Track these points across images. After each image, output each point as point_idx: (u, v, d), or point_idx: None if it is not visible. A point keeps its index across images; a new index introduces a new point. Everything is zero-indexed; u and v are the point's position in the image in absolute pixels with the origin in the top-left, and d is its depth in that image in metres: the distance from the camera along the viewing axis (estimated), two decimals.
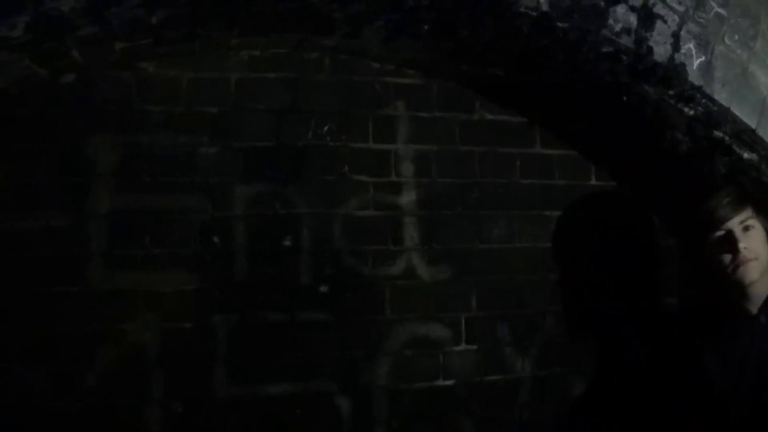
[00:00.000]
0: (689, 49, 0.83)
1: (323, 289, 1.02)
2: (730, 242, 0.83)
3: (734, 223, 0.83)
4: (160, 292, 0.95)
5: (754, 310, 0.84)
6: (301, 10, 0.80)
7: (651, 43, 0.81)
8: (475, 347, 1.11)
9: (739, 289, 0.84)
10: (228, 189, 0.95)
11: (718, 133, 0.85)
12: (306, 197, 0.98)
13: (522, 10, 0.76)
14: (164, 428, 0.97)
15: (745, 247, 0.83)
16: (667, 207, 0.92)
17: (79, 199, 0.91)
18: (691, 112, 0.84)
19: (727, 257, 0.83)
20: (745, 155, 0.86)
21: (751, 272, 0.83)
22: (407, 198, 1.03)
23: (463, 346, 1.12)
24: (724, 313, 0.86)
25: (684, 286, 1.00)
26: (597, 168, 1.12)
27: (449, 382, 1.11)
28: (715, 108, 0.84)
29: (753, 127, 0.87)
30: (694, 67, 0.83)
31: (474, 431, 1.11)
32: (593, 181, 1.17)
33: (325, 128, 0.99)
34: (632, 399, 0.61)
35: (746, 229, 0.83)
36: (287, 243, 1.01)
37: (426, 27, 0.83)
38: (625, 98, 0.85)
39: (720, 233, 0.83)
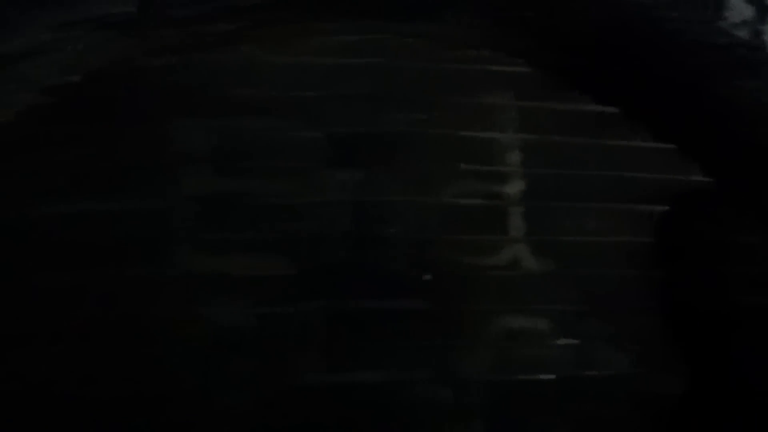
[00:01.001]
0: None
1: (426, 277, 1.00)
2: None
3: None
4: (255, 276, 0.94)
5: None
6: None
7: (765, 37, 0.80)
8: (574, 342, 1.08)
9: None
10: (323, 175, 0.93)
11: None
12: (405, 185, 0.96)
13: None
14: (255, 416, 0.96)
15: None
16: None
17: (170, 182, 0.90)
18: None
19: None
20: None
21: None
22: (512, 188, 1.01)
23: (562, 340, 1.09)
24: None
25: None
26: (696, 163, 1.09)
27: (547, 376, 1.08)
28: None
29: None
30: None
31: (570, 426, 1.09)
32: (694, 177, 1.14)
33: (426, 116, 0.97)
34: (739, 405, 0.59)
35: None
36: (384, 230, 0.99)
37: (531, 14, 0.81)
38: (722, 92, 0.83)
39: None
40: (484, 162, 0.91)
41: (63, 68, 0.74)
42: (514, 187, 0.92)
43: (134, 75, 0.78)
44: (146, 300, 0.84)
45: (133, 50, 0.71)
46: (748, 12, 0.76)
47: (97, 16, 0.69)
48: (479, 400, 0.90)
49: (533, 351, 0.94)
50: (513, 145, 0.91)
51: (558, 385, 0.95)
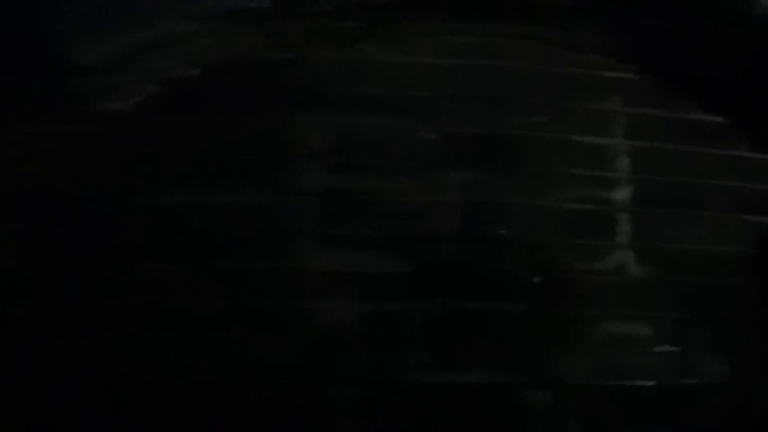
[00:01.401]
0: None
1: (534, 280, 1.01)
2: None
3: None
4: (365, 273, 0.95)
5: None
6: None
7: None
8: (675, 349, 1.08)
9: None
10: (439, 174, 0.94)
11: None
12: (517, 187, 0.96)
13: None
14: (358, 411, 0.97)
15: None
16: None
17: (289, 176, 0.90)
18: None
19: None
20: None
21: None
22: (620, 194, 1.01)
23: (663, 347, 1.10)
24: None
25: None
26: None
27: (647, 383, 1.08)
28: None
29: None
30: None
31: None
32: None
33: (539, 118, 0.97)
34: None
35: None
36: (496, 232, 1.00)
37: (653, 23, 0.81)
38: None
39: None
40: (594, 167, 0.91)
41: (187, 60, 0.74)
42: (621, 193, 0.91)
43: (256, 69, 0.78)
44: (259, 293, 0.85)
45: (258, 44, 0.72)
46: None
47: (230, 10, 0.69)
48: (578, 405, 0.90)
49: (634, 357, 0.94)
50: (622, 151, 0.91)
51: (656, 391, 0.95)
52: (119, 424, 0.78)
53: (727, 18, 0.75)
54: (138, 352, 0.78)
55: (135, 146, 0.75)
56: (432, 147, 0.86)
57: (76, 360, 0.75)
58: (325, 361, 0.84)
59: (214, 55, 0.75)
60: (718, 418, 0.98)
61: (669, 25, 0.76)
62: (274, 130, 0.82)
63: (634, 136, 0.92)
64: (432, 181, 0.86)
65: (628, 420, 0.95)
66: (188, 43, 0.73)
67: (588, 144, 0.90)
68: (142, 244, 0.75)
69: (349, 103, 0.83)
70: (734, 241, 1.01)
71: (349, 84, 0.82)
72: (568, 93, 0.89)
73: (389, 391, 0.84)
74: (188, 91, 0.75)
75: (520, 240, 0.87)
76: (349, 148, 0.84)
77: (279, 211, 0.81)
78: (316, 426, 0.87)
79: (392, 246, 0.84)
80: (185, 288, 0.79)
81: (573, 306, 0.90)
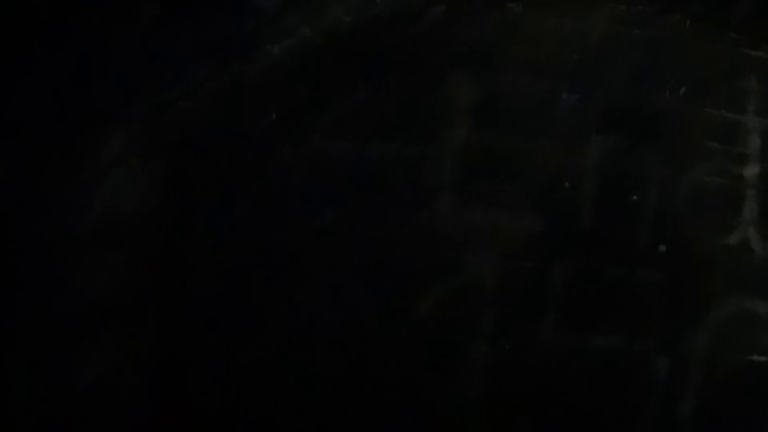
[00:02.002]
0: None
1: (662, 249, 1.02)
2: None
3: None
4: (504, 231, 0.96)
5: None
6: None
7: None
8: None
9: None
10: (583, 139, 0.95)
11: None
12: (657, 156, 0.98)
13: None
14: (488, 365, 0.98)
15: None
16: None
17: (436, 130, 0.91)
18: None
19: None
20: None
21: None
22: (751, 170, 1.02)
23: None
24: None
25: None
26: None
27: (763, 359, 1.10)
28: None
29: None
30: None
31: None
32: None
33: (681, 91, 0.98)
34: None
35: None
36: (633, 199, 1.01)
37: None
38: None
39: None
40: (729, 143, 0.92)
41: (347, 10, 0.75)
42: (751, 170, 0.92)
43: (408, 23, 0.79)
44: (400, 244, 0.86)
45: (412, 0, 0.73)
46: None
47: None
48: (698, 377, 0.92)
49: (752, 333, 0.95)
50: (756, 129, 0.92)
51: None
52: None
53: None
54: (287, 291, 0.79)
55: (289, 90, 0.76)
56: (575, 111, 0.87)
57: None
58: (461, 313, 0.85)
59: (370, 9, 0.75)
60: None
61: None
62: (423, 83, 0.82)
63: (765, 114, 0.93)
64: (572, 144, 0.87)
65: (745, 395, 0.97)
66: None
67: (725, 119, 0.91)
68: (289, 188, 0.76)
69: (496, 62, 0.84)
70: None
71: (498, 42, 0.83)
72: (711, 68, 0.90)
73: (520, 348, 0.85)
74: (344, 40, 0.76)
75: (654, 209, 0.88)
76: (493, 106, 0.85)
77: (424, 164, 0.82)
78: (447, 377, 0.88)
79: (534, 206, 0.85)
80: (327, 234, 0.80)
81: (698, 278, 0.91)
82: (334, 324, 0.85)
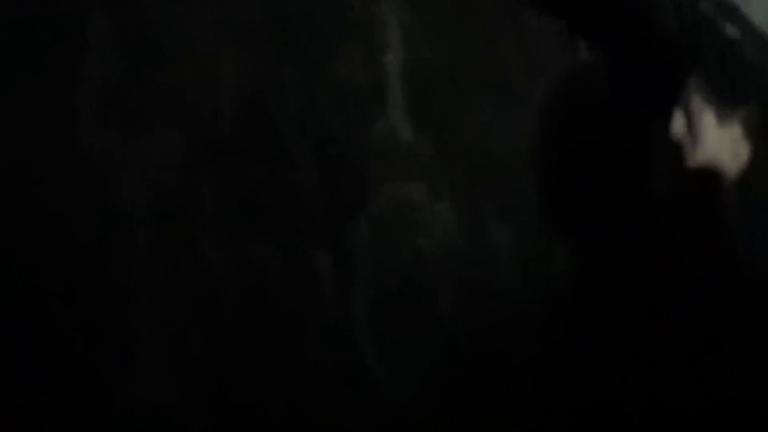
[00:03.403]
0: None
1: (309, 155, 1.02)
2: None
3: None
4: (147, 153, 0.95)
5: None
6: None
7: None
8: (456, 212, 1.12)
9: None
10: (218, 55, 0.93)
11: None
12: (293, 62, 0.96)
13: None
14: (147, 292, 0.98)
15: None
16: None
17: (73, 62, 0.88)
18: None
19: None
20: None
21: None
22: (392, 58, 1.02)
23: (444, 207, 1.13)
24: None
25: None
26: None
27: (428, 243, 1.12)
28: None
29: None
30: None
31: (454, 293, 1.13)
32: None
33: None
34: None
35: None
36: (273, 109, 1.00)
37: None
38: None
39: None
40: (368, 35, 0.93)
41: None
42: (393, 58, 0.94)
43: None
44: (47, 180, 0.84)
45: None
46: None
47: None
48: (365, 271, 0.94)
49: (414, 220, 0.97)
50: (393, 15, 0.93)
51: (441, 254, 0.99)
52: None
53: None
54: None
55: None
56: (207, 27, 0.87)
57: None
58: (114, 243, 0.85)
59: None
60: (503, 280, 1.03)
61: None
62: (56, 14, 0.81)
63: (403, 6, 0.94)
64: (207, 62, 0.87)
65: (413, 285, 1.00)
66: None
67: (361, 11, 0.92)
68: None
69: None
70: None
71: None
72: None
73: (178, 270, 0.85)
74: None
75: (296, 113, 0.89)
76: (131, 38, 0.84)
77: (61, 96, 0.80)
78: (111, 307, 0.88)
79: (170, 124, 0.85)
80: None
81: (351, 173, 0.93)
82: None
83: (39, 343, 0.87)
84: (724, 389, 0.69)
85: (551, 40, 1.04)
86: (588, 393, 0.71)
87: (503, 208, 1.03)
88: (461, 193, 1.03)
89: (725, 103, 0.82)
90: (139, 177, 0.87)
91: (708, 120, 0.81)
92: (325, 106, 0.90)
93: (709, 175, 0.80)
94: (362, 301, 0.94)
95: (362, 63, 0.93)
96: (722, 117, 0.83)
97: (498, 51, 1.02)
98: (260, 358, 0.89)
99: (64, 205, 0.85)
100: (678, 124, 0.80)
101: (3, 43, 0.77)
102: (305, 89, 0.89)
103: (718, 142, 0.81)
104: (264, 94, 0.87)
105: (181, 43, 0.88)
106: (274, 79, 0.90)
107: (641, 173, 0.64)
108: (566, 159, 0.63)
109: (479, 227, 1.02)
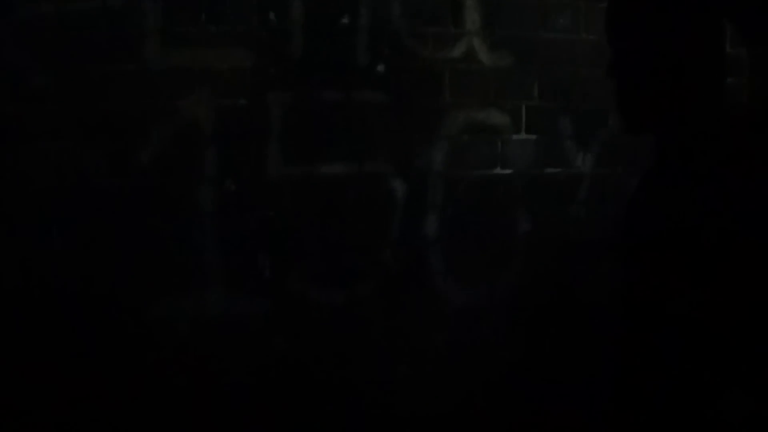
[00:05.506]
0: None
1: (380, 69, 1.01)
2: None
3: None
4: (215, 69, 0.96)
5: None
6: None
7: None
8: (536, 138, 1.10)
9: None
10: None
11: None
12: None
13: None
14: (216, 206, 0.99)
15: None
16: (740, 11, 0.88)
17: None
18: None
19: None
20: None
21: None
22: None
23: (523, 136, 1.11)
24: None
25: (751, 99, 0.97)
26: None
27: (507, 171, 1.10)
28: None
29: None
30: None
31: (530, 224, 1.11)
32: None
33: None
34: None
35: None
36: (344, 21, 1.00)
37: None
38: None
39: None
40: None
41: None
42: None
43: None
44: (113, 96, 0.85)
45: None
46: None
47: None
48: (438, 194, 0.92)
49: (489, 145, 0.94)
50: None
51: (517, 180, 0.96)
52: None
53: None
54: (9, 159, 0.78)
55: None
56: None
57: None
58: (184, 157, 0.85)
59: None
60: (582, 208, 0.99)
61: None
62: None
63: None
64: None
65: (489, 209, 0.97)
66: None
67: None
68: None
69: None
70: (599, 30, 1.00)
71: None
72: None
73: (247, 185, 0.85)
74: None
75: (368, 28, 0.87)
76: None
77: (127, 12, 0.81)
78: (176, 227, 0.88)
79: (241, 41, 0.84)
80: (39, 100, 0.80)
81: (424, 95, 0.91)
82: (60, 188, 0.85)
83: (115, 249, 0.88)
84: None
85: None
86: (667, 324, 0.66)
87: (583, 134, 0.98)
88: (539, 118, 0.99)
89: None
90: (206, 94, 0.86)
91: None
92: (399, 22, 0.88)
93: None
94: (434, 229, 0.91)
95: None
96: None
97: None
98: (327, 272, 0.88)
99: (130, 119, 0.85)
100: None
101: None
102: (379, 3, 0.87)
103: None
104: (335, 9, 0.86)
105: None
106: None
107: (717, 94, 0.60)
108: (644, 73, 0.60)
109: (560, 155, 0.98)
